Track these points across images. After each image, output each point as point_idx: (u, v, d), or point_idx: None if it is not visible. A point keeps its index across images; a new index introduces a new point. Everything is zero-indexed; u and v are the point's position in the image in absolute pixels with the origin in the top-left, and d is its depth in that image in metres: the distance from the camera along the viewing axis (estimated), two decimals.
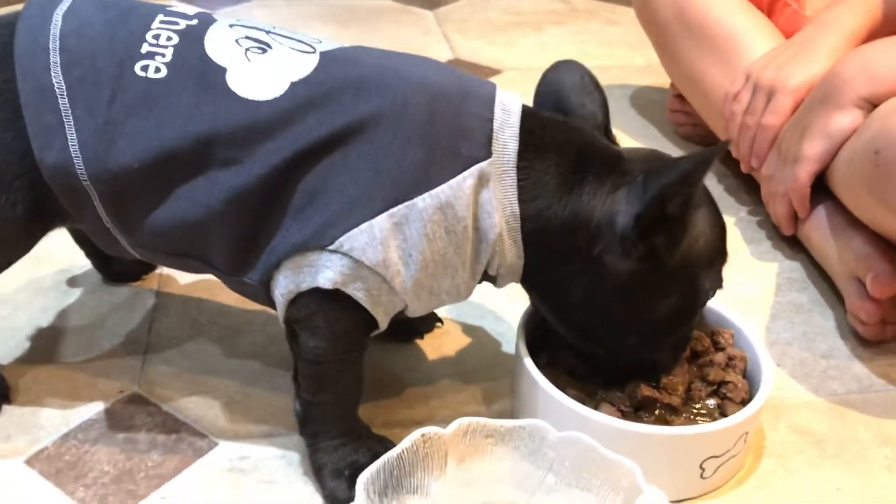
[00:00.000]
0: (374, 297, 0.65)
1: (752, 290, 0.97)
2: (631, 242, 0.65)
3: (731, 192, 1.16)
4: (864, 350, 0.89)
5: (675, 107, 1.29)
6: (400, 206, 0.63)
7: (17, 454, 0.73)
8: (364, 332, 0.68)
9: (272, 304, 0.68)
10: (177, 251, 0.68)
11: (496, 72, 1.51)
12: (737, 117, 1.07)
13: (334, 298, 0.65)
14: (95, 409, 0.78)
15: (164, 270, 0.96)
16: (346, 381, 0.70)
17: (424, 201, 0.63)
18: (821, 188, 0.97)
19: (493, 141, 0.65)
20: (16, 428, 0.76)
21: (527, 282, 0.71)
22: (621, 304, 0.68)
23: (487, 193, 0.65)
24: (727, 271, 0.99)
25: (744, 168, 1.09)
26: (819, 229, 0.97)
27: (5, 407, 0.78)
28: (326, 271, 0.63)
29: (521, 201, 0.66)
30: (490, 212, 0.65)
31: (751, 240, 1.07)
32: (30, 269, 0.95)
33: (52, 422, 0.76)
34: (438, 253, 0.64)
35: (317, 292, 0.64)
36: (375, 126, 0.63)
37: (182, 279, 0.95)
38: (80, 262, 0.95)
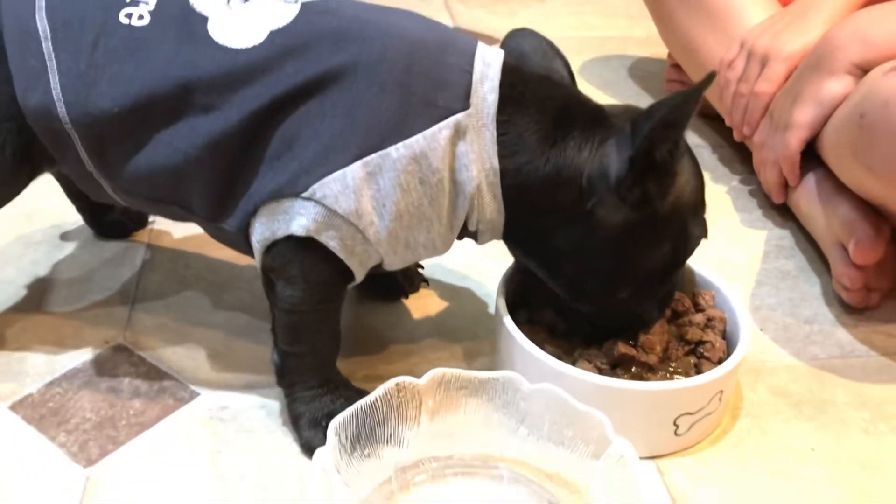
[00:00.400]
0: (348, 248, 0.65)
1: (740, 257, 0.98)
2: (627, 188, 0.64)
3: (725, 162, 1.16)
4: (849, 317, 0.89)
5: (672, 77, 1.28)
6: (373, 155, 0.63)
7: (1, 400, 0.74)
8: (340, 283, 0.69)
9: (252, 252, 0.69)
10: (158, 197, 0.69)
11: (496, 41, 1.50)
12: (731, 85, 1.06)
13: (309, 247, 0.65)
14: (81, 358, 0.79)
15: (155, 227, 0.97)
16: (323, 332, 0.70)
17: (398, 151, 0.63)
18: (811, 156, 0.97)
19: (472, 93, 0.65)
20: (2, 375, 0.77)
21: (509, 238, 0.71)
22: (614, 256, 0.68)
23: (464, 146, 0.65)
24: (715, 238, 0.99)
25: (736, 136, 1.09)
26: (808, 196, 0.97)
27: None
28: (300, 219, 0.64)
29: (500, 156, 0.66)
30: (467, 164, 0.65)
31: (742, 208, 1.06)
32: (21, 224, 0.97)
33: (37, 370, 0.78)
34: (413, 204, 0.65)
35: (292, 240, 0.65)
36: (352, 75, 0.64)
37: (173, 235, 0.96)
38: (71, 217, 0.96)
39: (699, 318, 0.77)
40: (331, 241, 0.65)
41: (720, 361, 0.73)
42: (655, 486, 0.69)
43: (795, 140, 0.95)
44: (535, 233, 0.69)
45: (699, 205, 0.71)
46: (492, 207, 0.67)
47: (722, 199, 1.08)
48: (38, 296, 0.87)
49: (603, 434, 0.63)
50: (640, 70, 1.41)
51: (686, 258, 0.73)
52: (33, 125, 0.67)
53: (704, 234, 0.72)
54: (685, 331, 0.75)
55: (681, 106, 0.62)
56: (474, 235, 0.71)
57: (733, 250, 0.99)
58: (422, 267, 0.90)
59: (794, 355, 0.84)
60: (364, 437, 0.64)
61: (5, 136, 0.68)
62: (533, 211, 0.68)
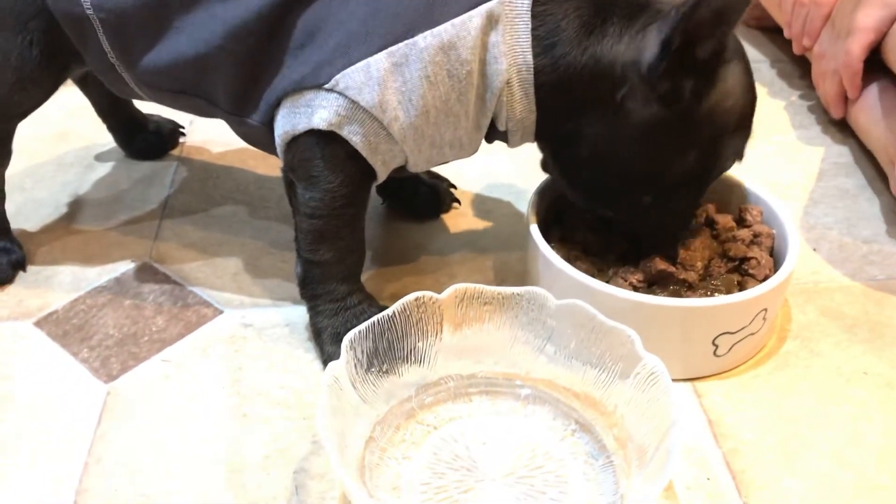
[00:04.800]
0: (371, 144, 0.62)
1: (795, 175, 0.92)
2: (656, 77, 0.60)
3: (784, 77, 1.09)
4: None
5: None
6: (400, 45, 0.60)
7: (27, 316, 0.74)
8: (362, 184, 0.66)
9: (276, 150, 0.66)
10: (181, 89, 0.67)
11: None
12: None
13: (331, 144, 0.63)
14: (107, 276, 0.78)
15: (186, 147, 0.95)
16: (346, 239, 0.67)
17: (426, 40, 0.60)
18: (874, 67, 0.90)
19: None
20: (28, 293, 0.77)
21: (541, 139, 0.68)
22: (638, 155, 0.64)
23: (496, 37, 0.61)
24: (770, 155, 0.93)
25: (795, 49, 1.01)
26: (868, 109, 0.90)
27: (20, 273, 0.78)
28: (322, 111, 0.61)
29: (535, 51, 0.62)
30: (497, 57, 0.61)
31: (799, 125, 1.00)
32: (54, 145, 0.96)
33: (63, 288, 0.77)
34: (440, 99, 0.61)
35: (313, 136, 0.62)
36: None
37: (203, 155, 0.94)
38: (104, 139, 0.94)
39: (745, 233, 0.72)
40: (353, 137, 0.62)
41: (766, 279, 0.68)
42: (691, 408, 0.66)
43: (858, 46, 0.87)
44: (567, 130, 0.65)
45: (740, 124, 0.65)
46: (522, 105, 0.63)
47: (779, 114, 1.01)
48: (69, 215, 0.86)
49: (632, 351, 0.59)
50: None
51: (711, 177, 0.68)
52: (54, 9, 0.66)
53: (739, 157, 0.67)
54: (729, 247, 0.71)
55: None
56: (505, 137, 0.67)
57: (788, 168, 0.93)
58: (454, 187, 0.87)
59: (850, 276, 0.79)
60: (382, 353, 0.62)
61: (33, 34, 0.68)
62: (568, 107, 0.64)
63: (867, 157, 0.93)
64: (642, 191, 0.66)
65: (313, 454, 0.62)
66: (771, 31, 1.15)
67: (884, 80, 0.89)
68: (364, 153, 0.63)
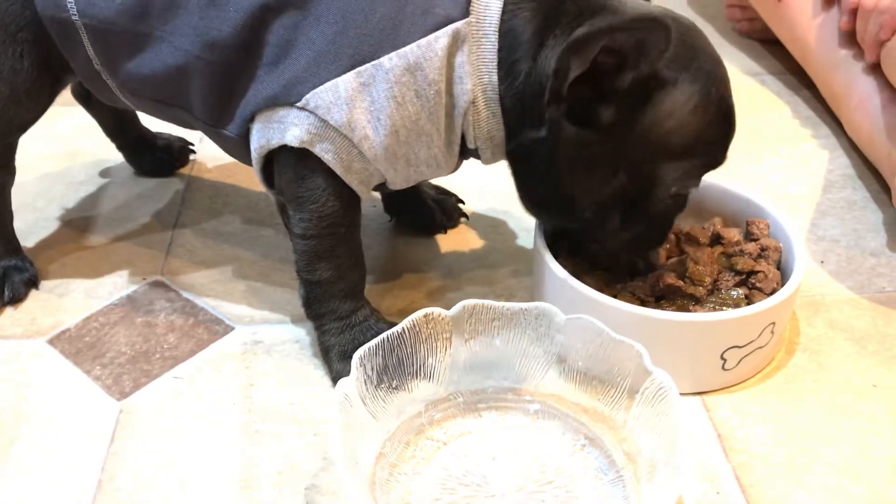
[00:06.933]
0: (344, 162, 0.63)
1: (802, 187, 0.92)
2: (546, 103, 0.59)
3: (788, 88, 1.09)
4: None
5: (732, 1, 1.21)
6: (367, 65, 0.60)
7: (40, 334, 0.75)
8: (348, 203, 0.66)
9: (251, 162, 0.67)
10: (161, 98, 0.68)
11: None
12: None
13: (308, 163, 0.63)
14: (118, 294, 0.79)
15: (196, 164, 0.96)
16: (342, 257, 0.68)
17: (391, 61, 0.60)
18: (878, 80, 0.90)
19: (473, 0, 0.61)
20: (41, 311, 0.77)
21: (509, 155, 0.67)
22: (568, 171, 0.63)
23: (462, 57, 0.61)
24: (776, 166, 0.93)
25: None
26: (871, 121, 0.90)
27: (33, 291, 0.79)
28: (294, 129, 0.62)
29: (499, 72, 0.61)
30: (462, 77, 0.61)
31: (805, 136, 1.00)
32: (65, 163, 0.97)
33: (75, 306, 0.78)
34: (409, 119, 0.62)
35: (292, 156, 0.63)
36: None
37: (212, 172, 0.95)
38: (113, 156, 0.95)
39: (752, 247, 0.72)
40: (326, 154, 0.62)
41: (774, 293, 0.69)
42: (700, 422, 0.66)
43: None
44: (522, 146, 0.64)
45: (693, 148, 0.61)
46: (489, 124, 0.63)
47: (784, 126, 1.02)
48: (80, 234, 0.87)
49: (641, 366, 0.60)
50: None
51: (654, 207, 0.64)
52: (43, 16, 0.67)
53: (686, 186, 0.64)
54: (736, 261, 0.71)
55: (597, 35, 0.55)
56: (477, 154, 0.67)
57: (795, 180, 0.93)
58: (462, 202, 0.87)
59: (858, 289, 0.79)
60: (391, 369, 0.62)
61: (23, 45, 0.69)
62: (524, 123, 0.63)
63: (873, 169, 0.93)
64: (580, 208, 0.64)
65: (324, 470, 0.63)
66: (771, 44, 1.15)
67: (888, 91, 0.89)
68: (337, 170, 0.63)
